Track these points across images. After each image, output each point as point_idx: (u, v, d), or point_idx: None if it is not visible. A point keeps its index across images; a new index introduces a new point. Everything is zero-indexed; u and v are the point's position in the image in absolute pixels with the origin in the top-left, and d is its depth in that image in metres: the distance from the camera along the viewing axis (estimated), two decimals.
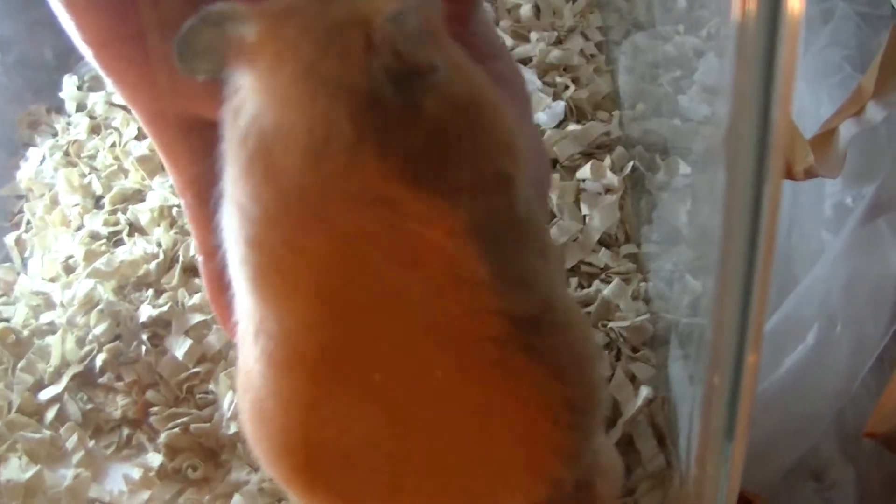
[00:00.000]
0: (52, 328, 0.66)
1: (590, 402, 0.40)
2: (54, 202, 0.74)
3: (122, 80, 0.43)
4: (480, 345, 0.36)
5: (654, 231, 0.65)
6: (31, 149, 0.80)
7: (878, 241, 0.58)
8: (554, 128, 0.73)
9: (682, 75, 0.68)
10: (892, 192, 0.59)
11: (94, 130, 0.79)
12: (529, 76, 0.76)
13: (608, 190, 0.68)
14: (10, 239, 0.73)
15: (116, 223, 0.70)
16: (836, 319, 0.57)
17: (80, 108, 0.82)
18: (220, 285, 0.41)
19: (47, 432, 0.60)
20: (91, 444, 0.60)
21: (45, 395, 0.62)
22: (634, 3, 0.78)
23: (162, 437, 0.58)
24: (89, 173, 0.75)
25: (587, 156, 0.71)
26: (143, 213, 0.71)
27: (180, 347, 0.62)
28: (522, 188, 0.38)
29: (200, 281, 0.63)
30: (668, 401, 0.57)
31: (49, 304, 0.67)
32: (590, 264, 0.65)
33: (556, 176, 0.69)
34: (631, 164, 0.69)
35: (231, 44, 0.36)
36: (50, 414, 0.61)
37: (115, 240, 0.70)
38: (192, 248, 0.66)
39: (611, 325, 0.61)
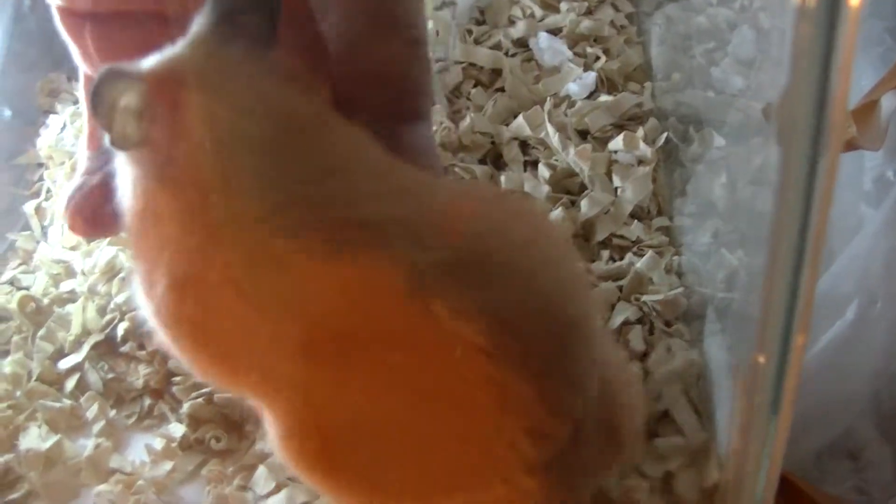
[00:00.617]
0: (72, 296, 0.65)
1: None
2: (74, 170, 0.73)
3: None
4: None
5: (688, 204, 0.64)
6: (50, 116, 0.79)
7: None
8: (585, 98, 0.71)
9: (716, 47, 0.67)
10: None
11: None
12: (559, 46, 0.75)
13: (641, 162, 0.67)
14: (29, 207, 0.72)
15: None
16: (876, 296, 0.56)
17: None
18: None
19: (67, 401, 0.59)
20: (112, 413, 0.59)
21: (65, 364, 0.61)
22: None
23: (185, 408, 0.57)
24: None
25: (618, 127, 0.70)
26: None
27: None
28: None
29: None
30: (704, 376, 0.55)
31: (69, 273, 0.67)
32: (622, 237, 0.64)
33: (587, 147, 0.67)
34: (664, 135, 0.68)
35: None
36: (70, 383, 0.60)
37: None
38: None
39: (644, 298, 0.60)
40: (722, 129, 0.61)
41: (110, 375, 0.60)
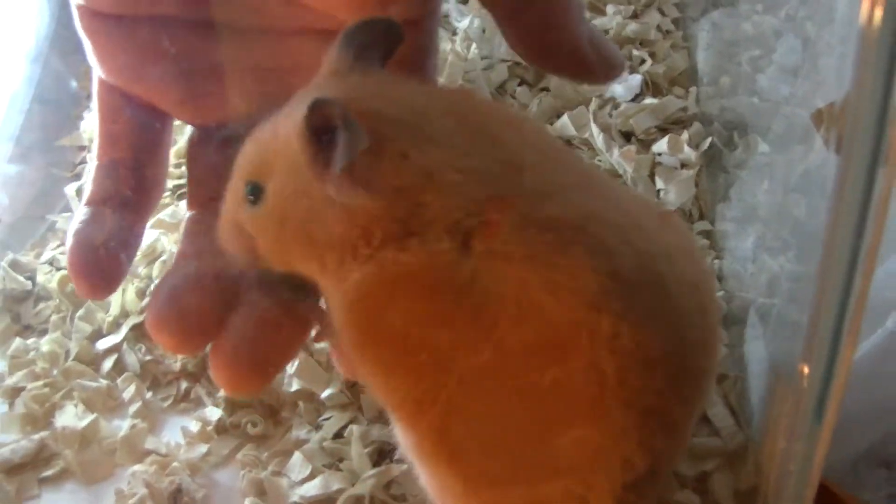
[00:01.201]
0: None
1: None
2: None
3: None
4: None
5: (730, 209, 0.64)
6: (93, 99, 0.79)
7: None
8: (630, 101, 0.71)
9: (761, 54, 0.67)
10: None
11: None
12: None
13: (684, 165, 0.66)
14: (70, 189, 0.72)
15: (181, 176, 0.69)
16: None
17: None
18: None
19: (104, 382, 0.59)
20: (148, 395, 0.59)
21: (102, 344, 0.61)
22: None
23: (221, 392, 0.57)
24: None
25: (663, 130, 0.70)
26: None
27: None
28: None
29: None
30: (742, 380, 0.55)
31: None
32: None
33: (631, 148, 0.67)
34: (709, 140, 0.68)
35: None
36: (107, 364, 0.60)
37: (178, 192, 0.69)
38: None
39: None
40: (767, 136, 0.61)
41: (148, 357, 0.60)
